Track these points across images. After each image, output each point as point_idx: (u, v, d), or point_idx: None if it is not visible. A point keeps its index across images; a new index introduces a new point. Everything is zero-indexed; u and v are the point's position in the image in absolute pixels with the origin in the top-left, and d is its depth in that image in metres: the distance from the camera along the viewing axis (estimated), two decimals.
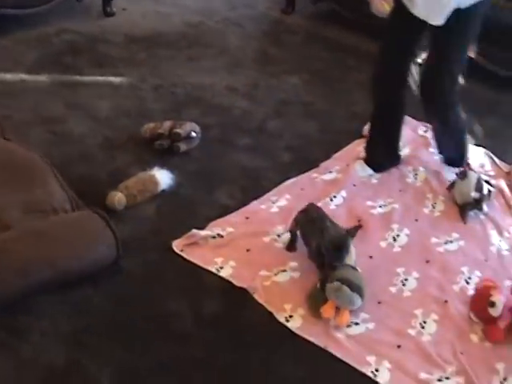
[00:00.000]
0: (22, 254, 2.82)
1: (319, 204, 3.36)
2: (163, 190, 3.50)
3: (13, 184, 3.24)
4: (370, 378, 2.61)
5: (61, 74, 4.72)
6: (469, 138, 3.84)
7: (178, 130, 3.79)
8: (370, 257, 3.17)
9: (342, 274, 2.84)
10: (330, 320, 2.79)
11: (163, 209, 3.42)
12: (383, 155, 3.78)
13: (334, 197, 3.51)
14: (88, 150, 3.85)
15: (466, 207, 3.48)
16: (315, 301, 2.85)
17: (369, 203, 3.52)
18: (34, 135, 3.92)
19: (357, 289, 2.80)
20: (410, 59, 3.58)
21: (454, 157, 3.82)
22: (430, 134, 4.08)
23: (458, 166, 3.76)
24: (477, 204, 3.47)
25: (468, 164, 3.84)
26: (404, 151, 3.95)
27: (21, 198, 3.17)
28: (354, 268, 2.91)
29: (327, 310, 2.79)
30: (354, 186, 3.63)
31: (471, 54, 4.71)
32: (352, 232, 2.90)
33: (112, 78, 4.69)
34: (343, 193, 3.55)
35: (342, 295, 2.78)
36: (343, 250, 2.87)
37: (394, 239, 3.28)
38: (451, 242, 3.31)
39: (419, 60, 4.02)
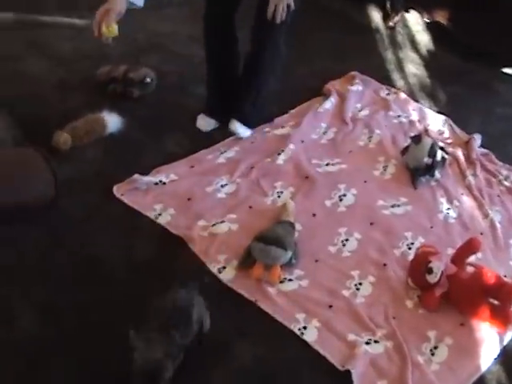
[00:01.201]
0: None
1: (267, 159, 3.32)
2: (111, 134, 3.43)
3: None
4: (297, 335, 2.57)
5: (22, 11, 4.59)
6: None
7: (131, 75, 3.71)
8: (314, 215, 3.11)
9: (264, 233, 2.81)
10: (262, 278, 2.75)
11: (109, 152, 3.35)
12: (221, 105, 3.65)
13: (282, 151, 3.44)
14: (41, 90, 3.76)
15: (417, 172, 3.42)
16: (245, 264, 2.79)
17: (315, 161, 3.45)
18: None
19: (281, 244, 2.75)
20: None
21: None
22: (391, 97, 4.02)
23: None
24: (429, 170, 3.42)
25: (426, 129, 3.78)
26: (363, 113, 3.88)
27: None
28: (284, 223, 2.88)
29: (256, 271, 2.75)
30: (303, 142, 3.56)
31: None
32: None
33: (77, 20, 4.56)
34: (291, 147, 3.47)
35: (267, 254, 2.74)
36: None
37: (340, 199, 3.22)
38: (398, 205, 3.26)
39: None
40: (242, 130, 3.50)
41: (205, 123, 3.59)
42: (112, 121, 3.44)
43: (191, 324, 2.30)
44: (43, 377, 2.35)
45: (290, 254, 2.78)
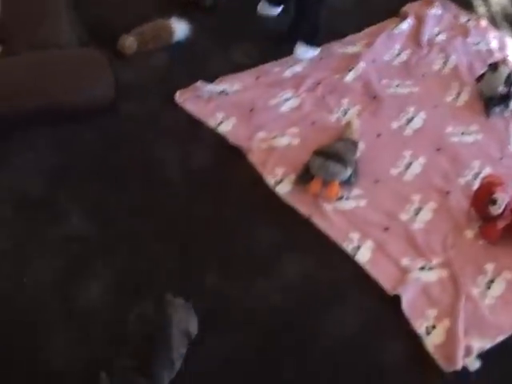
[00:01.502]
0: (16, 79, 2.77)
1: (335, 76, 3.22)
2: (178, 41, 3.35)
3: (24, 16, 3.12)
4: (348, 255, 2.51)
5: None
6: None
7: None
8: (378, 135, 3.01)
9: (324, 148, 2.74)
10: (318, 194, 2.68)
11: (174, 59, 3.28)
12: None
13: (352, 69, 3.32)
14: None
15: (491, 101, 3.26)
16: (302, 179, 2.73)
17: (385, 82, 3.32)
18: None
19: (341, 161, 2.68)
20: None
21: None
22: (471, 24, 3.84)
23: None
24: (503, 99, 3.25)
25: (504, 58, 3.61)
26: (440, 37, 3.71)
27: (29, 32, 3.06)
28: (346, 141, 2.80)
29: (313, 186, 2.68)
30: (374, 61, 3.43)
31: None
32: None
33: None
34: (361, 66, 3.35)
35: (326, 169, 2.67)
36: None
37: (408, 122, 3.11)
38: (468, 134, 3.12)
39: None
40: (308, 52, 3.39)
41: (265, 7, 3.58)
42: (180, 28, 3.36)
43: (172, 352, 2.07)
44: (85, 272, 2.37)
45: (349, 171, 2.70)
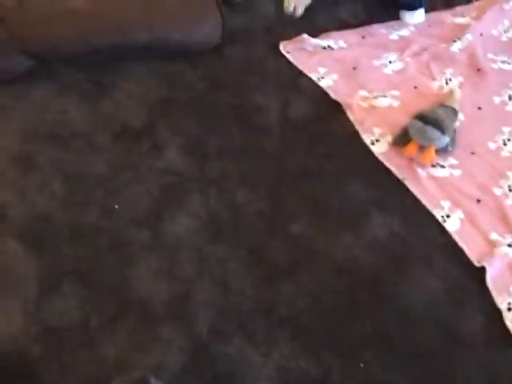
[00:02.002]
0: (126, 12, 2.82)
1: (441, 45, 3.18)
2: None
3: None
4: (438, 222, 2.50)
5: None
6: None
7: None
8: (479, 108, 2.97)
9: (424, 113, 2.71)
10: (414, 158, 2.67)
11: (281, 10, 3.27)
12: None
13: (458, 39, 3.29)
14: None
15: None
16: (399, 142, 2.72)
17: (490, 56, 3.27)
18: None
19: (439, 127, 2.65)
20: None
21: None
22: None
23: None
24: None
25: None
26: None
27: None
28: (447, 108, 2.77)
29: (409, 150, 2.67)
30: (481, 35, 3.38)
31: None
32: None
33: None
34: (468, 38, 3.31)
35: (424, 133, 2.64)
36: None
37: (510, 98, 3.06)
38: None
39: None
40: (413, 18, 3.36)
41: None
42: None
43: None
44: (176, 206, 2.41)
45: (447, 138, 2.67)
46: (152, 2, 2.87)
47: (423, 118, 2.67)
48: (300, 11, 3.14)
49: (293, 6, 3.12)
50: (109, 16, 2.80)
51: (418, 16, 3.34)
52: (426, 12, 3.37)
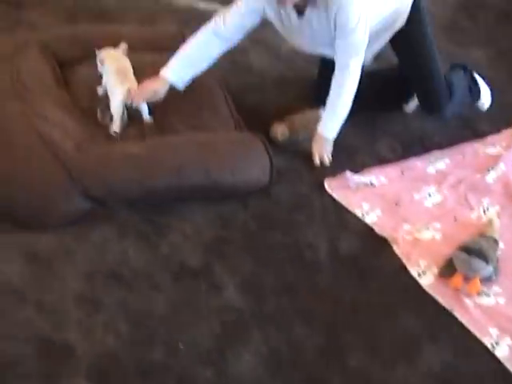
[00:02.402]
0: (181, 157, 3.02)
1: (476, 175, 3.37)
2: None
3: (183, 101, 3.39)
4: (487, 349, 2.60)
5: None
6: None
7: None
8: None
9: (468, 244, 2.87)
10: (460, 288, 2.80)
11: None
12: None
13: (492, 169, 3.46)
14: (263, 82, 3.98)
15: None
16: (445, 273, 2.85)
17: None
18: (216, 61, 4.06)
19: (483, 257, 2.80)
20: None
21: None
22: None
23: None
24: None
25: None
26: None
27: (187, 114, 3.36)
28: (488, 238, 2.92)
29: (455, 281, 2.80)
30: None
31: None
32: None
33: None
34: (501, 167, 3.48)
35: (469, 265, 2.79)
36: None
37: None
38: None
39: None
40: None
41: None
42: None
43: None
44: (237, 344, 2.52)
45: (491, 268, 2.81)
46: (205, 147, 3.08)
47: (467, 249, 2.82)
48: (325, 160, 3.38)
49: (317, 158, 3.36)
50: (164, 160, 3.00)
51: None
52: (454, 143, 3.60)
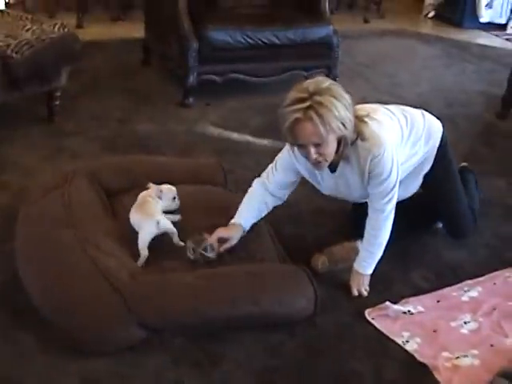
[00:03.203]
0: (232, 288, 3.22)
1: (509, 303, 3.54)
2: None
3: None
4: None
5: (281, 141, 5.12)
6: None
7: None
8: None
9: (507, 370, 3.02)
10: None
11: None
12: None
13: None
14: (301, 213, 4.24)
15: None
16: None
17: None
18: None
19: None
20: None
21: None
22: None
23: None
24: None
25: None
26: None
27: (235, 247, 3.59)
28: None
29: None
30: None
31: None
32: None
33: None
34: None
35: None
36: None
37: None
38: None
39: None
40: None
41: None
42: None
43: None
44: None
45: None
46: (254, 278, 3.29)
47: (506, 375, 2.97)
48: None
49: None
50: (217, 290, 3.19)
51: None
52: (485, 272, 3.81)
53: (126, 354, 3.06)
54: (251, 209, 3.64)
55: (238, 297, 3.19)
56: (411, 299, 3.55)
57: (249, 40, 5.86)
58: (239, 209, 3.63)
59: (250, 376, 3.02)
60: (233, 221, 3.59)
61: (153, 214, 3.51)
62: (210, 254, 3.46)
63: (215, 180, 4.20)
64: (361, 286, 3.57)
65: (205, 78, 5.85)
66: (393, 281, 3.72)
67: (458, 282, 3.74)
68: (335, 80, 6.00)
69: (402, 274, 3.78)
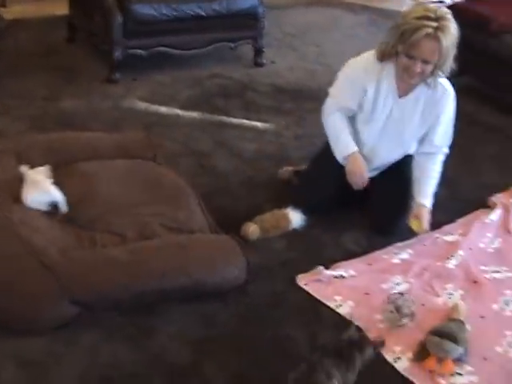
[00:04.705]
0: (163, 261, 3.19)
1: (438, 263, 3.59)
2: (295, 229, 3.79)
3: (159, 203, 3.61)
4: None
5: (211, 113, 5.13)
6: None
7: None
8: (482, 316, 3.32)
9: (439, 328, 3.06)
10: (434, 369, 2.97)
11: (292, 245, 3.70)
12: None
13: (452, 256, 3.69)
14: (230, 184, 4.21)
15: None
16: (419, 357, 3.02)
17: (483, 267, 3.68)
18: (183, 164, 4.30)
19: (454, 339, 2.99)
20: None
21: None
22: None
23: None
24: None
25: None
26: None
27: (164, 217, 3.54)
28: (456, 321, 3.14)
29: (429, 363, 2.98)
30: (471, 249, 3.80)
31: None
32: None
33: (258, 123, 5.05)
34: (460, 254, 3.72)
35: (441, 347, 2.97)
36: None
37: (506, 304, 3.42)
38: None
39: None
40: None
41: None
42: (296, 217, 3.79)
43: None
44: None
45: (461, 349, 3.00)
46: (185, 250, 3.27)
47: (438, 332, 3.01)
48: None
49: None
50: (148, 264, 3.17)
51: None
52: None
53: (60, 332, 3.01)
54: (348, 133, 3.74)
55: (168, 269, 3.17)
56: (343, 263, 3.56)
57: (174, 12, 5.76)
58: (343, 139, 3.75)
59: (185, 347, 3.00)
60: (352, 152, 3.72)
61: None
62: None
63: (144, 154, 4.14)
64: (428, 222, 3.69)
65: (131, 53, 5.75)
66: (324, 246, 3.73)
67: (388, 245, 3.78)
68: (262, 51, 6.05)
69: (334, 239, 3.79)
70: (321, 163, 3.93)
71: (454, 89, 3.69)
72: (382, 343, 2.85)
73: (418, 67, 3.40)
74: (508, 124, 5.52)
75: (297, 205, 3.84)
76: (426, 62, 3.39)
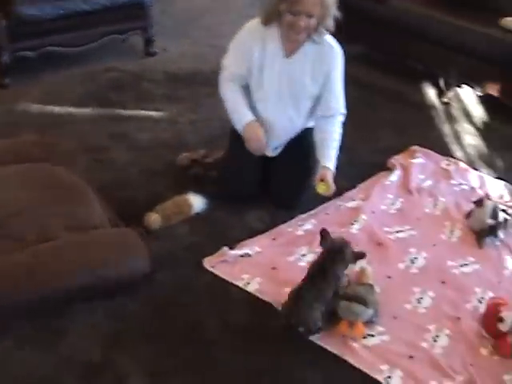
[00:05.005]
0: (63, 261, 3.12)
1: (342, 229, 3.61)
2: (197, 213, 3.76)
3: (57, 204, 3.50)
4: None
5: (105, 107, 5.03)
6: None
7: (208, 160, 4.07)
8: (389, 277, 3.37)
9: (347, 292, 3.10)
10: (346, 333, 3.00)
11: (196, 229, 3.66)
12: None
13: (355, 221, 3.73)
14: (129, 176, 4.13)
15: (482, 233, 3.67)
16: (331, 322, 3.03)
17: (386, 229, 3.74)
18: (80, 162, 4.17)
19: (363, 301, 3.03)
20: None
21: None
22: (452, 167, 4.30)
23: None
24: (492, 231, 3.67)
25: (487, 194, 4.04)
26: (427, 183, 4.17)
27: (63, 216, 3.44)
28: (364, 284, 3.18)
29: (341, 328, 3.01)
30: (373, 212, 3.85)
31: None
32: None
33: (152, 113, 4.98)
34: (363, 218, 3.76)
35: (350, 311, 3.01)
36: None
37: (412, 262, 3.48)
38: (467, 265, 3.51)
39: None
40: None
41: None
42: (197, 201, 3.76)
43: None
44: None
45: (371, 311, 3.04)
46: (86, 247, 3.21)
47: (347, 296, 3.04)
48: None
49: None
50: (50, 266, 3.09)
51: None
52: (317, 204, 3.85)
53: None
54: (244, 104, 3.75)
55: (71, 269, 3.09)
56: (248, 241, 3.55)
57: (59, 11, 5.60)
58: (239, 110, 3.75)
59: (96, 344, 2.94)
60: (248, 121, 3.71)
61: None
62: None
63: (38, 156, 4.03)
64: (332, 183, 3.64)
65: (19, 56, 5.60)
66: (228, 227, 3.71)
67: (291, 219, 3.78)
68: (152, 40, 5.98)
69: (238, 219, 3.77)
70: (237, 150, 3.84)
71: (347, 56, 3.73)
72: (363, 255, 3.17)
73: (303, 22, 3.43)
74: (402, 88, 5.60)
75: (222, 197, 3.85)
76: (309, 15, 3.43)
